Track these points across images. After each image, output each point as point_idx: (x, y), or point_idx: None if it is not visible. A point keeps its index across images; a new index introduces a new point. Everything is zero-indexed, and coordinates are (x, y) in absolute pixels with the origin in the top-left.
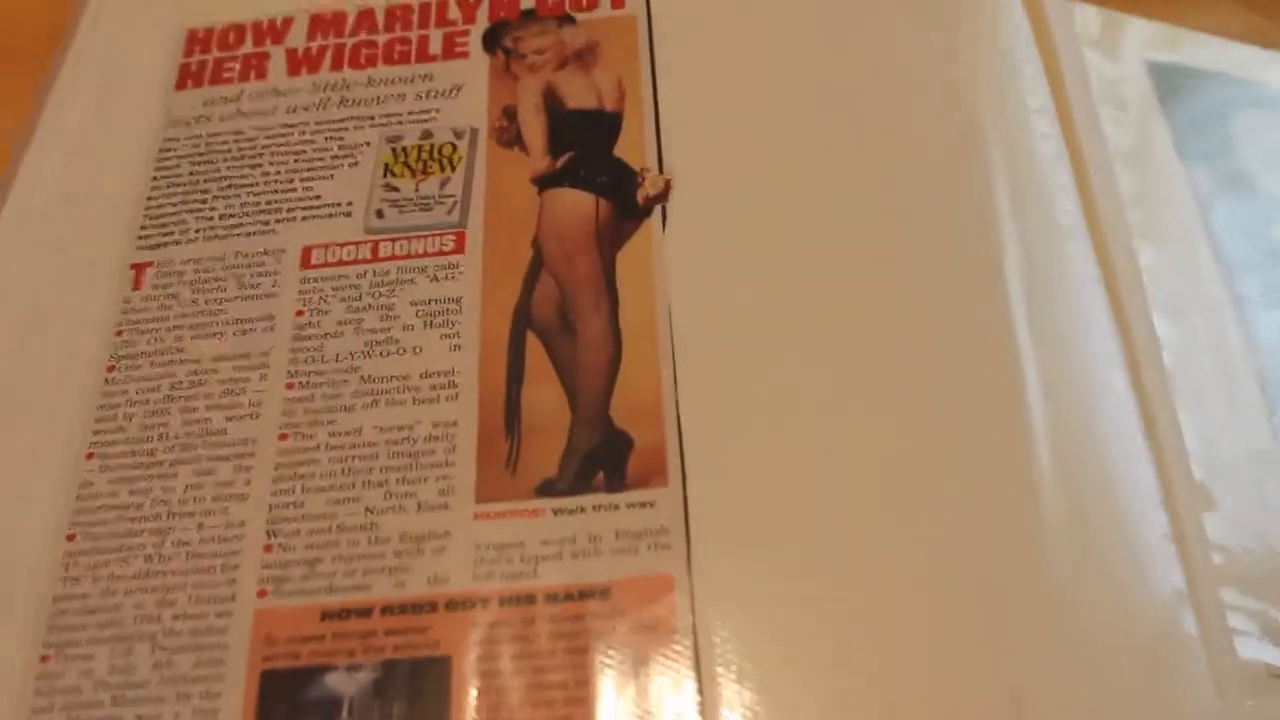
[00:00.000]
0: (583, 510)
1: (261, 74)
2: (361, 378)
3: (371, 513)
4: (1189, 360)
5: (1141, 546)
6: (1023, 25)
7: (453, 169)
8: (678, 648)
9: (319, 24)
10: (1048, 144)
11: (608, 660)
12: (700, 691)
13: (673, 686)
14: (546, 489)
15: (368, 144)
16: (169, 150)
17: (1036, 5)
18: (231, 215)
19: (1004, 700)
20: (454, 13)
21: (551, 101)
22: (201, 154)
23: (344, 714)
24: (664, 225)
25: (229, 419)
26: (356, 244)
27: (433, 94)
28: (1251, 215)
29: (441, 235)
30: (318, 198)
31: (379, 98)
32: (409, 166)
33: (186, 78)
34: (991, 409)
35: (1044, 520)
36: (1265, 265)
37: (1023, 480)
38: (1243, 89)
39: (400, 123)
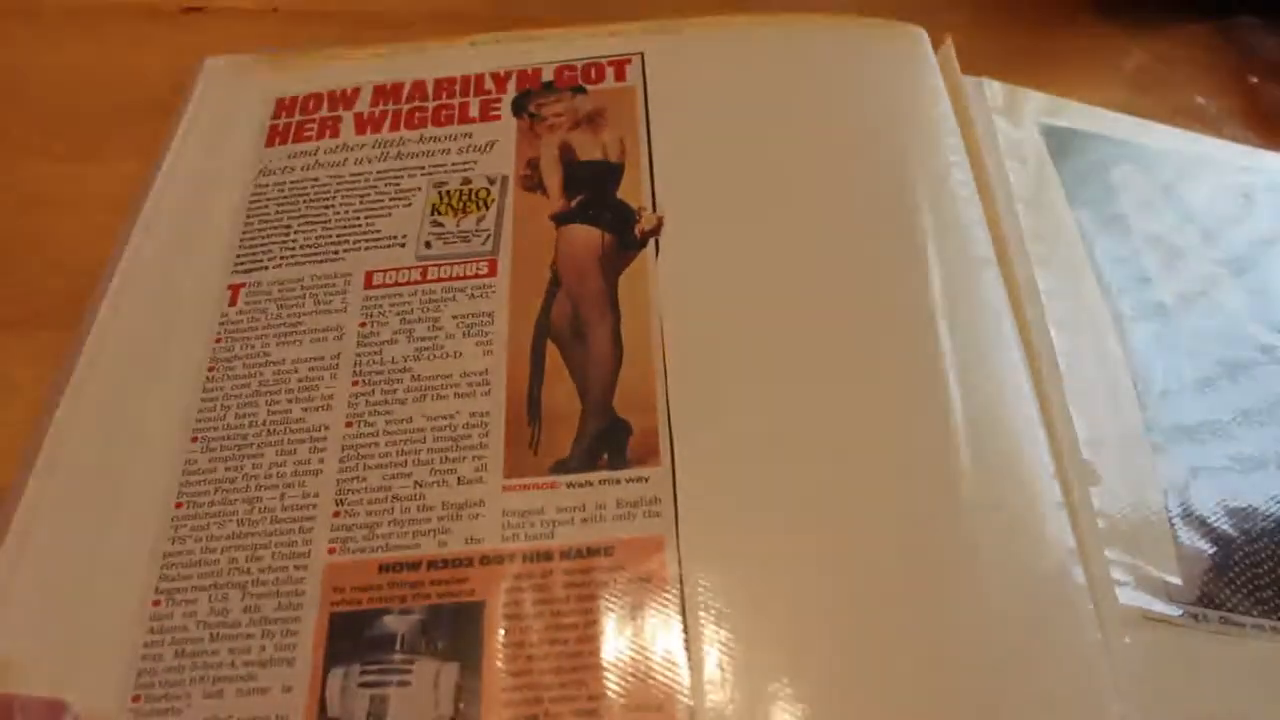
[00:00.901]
0: (590, 484)
1: (335, 133)
2: (412, 376)
3: (420, 485)
4: (1077, 364)
5: (1040, 514)
6: (944, 97)
7: (487, 209)
8: (667, 595)
9: (380, 93)
10: (964, 190)
11: (610, 605)
12: (685, 630)
13: (663, 626)
14: (561, 467)
15: (419, 189)
16: (260, 194)
17: (954, 82)
18: (309, 246)
19: (929, 631)
20: (489, 84)
21: (566, 155)
22: (286, 197)
23: (397, 648)
24: (657, 254)
25: (305, 410)
26: (409, 269)
27: (471, 149)
28: (1126, 249)
29: (477, 262)
30: (378, 232)
31: (428, 152)
32: (452, 207)
33: (275, 136)
34: (919, 405)
35: (961, 492)
36: (1136, 289)
37: (943, 461)
38: (1119, 148)
39: (445, 172)
